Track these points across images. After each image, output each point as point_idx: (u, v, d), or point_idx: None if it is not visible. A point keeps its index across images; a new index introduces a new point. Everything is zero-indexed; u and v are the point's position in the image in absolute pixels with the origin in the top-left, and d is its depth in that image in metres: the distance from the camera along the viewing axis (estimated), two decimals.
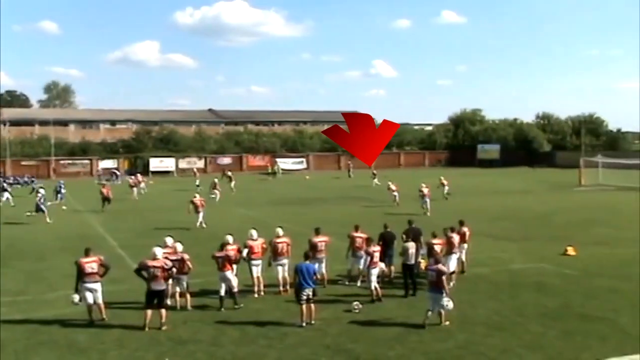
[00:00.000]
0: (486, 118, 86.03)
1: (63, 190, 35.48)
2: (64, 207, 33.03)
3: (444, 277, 12.17)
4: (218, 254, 13.73)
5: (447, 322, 12.11)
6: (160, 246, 13.05)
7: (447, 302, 11.96)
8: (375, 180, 45.94)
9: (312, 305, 12.35)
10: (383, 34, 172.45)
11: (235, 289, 13.64)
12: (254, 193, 41.09)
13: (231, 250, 14.01)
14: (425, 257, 15.03)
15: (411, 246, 14.69)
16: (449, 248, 15.32)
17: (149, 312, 12.13)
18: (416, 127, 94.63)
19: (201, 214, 25.91)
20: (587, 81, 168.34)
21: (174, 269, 12.85)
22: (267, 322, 12.43)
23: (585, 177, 46.63)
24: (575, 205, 33.49)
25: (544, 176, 56.40)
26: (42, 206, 28.34)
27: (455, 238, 15.57)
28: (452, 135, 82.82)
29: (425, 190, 30.11)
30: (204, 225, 25.56)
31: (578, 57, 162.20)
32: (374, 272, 14.14)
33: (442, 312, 12.08)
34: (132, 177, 45.75)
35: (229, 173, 42.40)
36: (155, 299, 12.24)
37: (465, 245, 16.46)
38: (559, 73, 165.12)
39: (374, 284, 14.06)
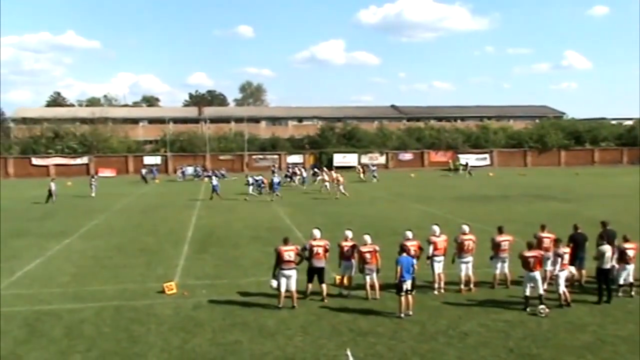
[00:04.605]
0: None
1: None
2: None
3: None
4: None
5: None
6: (319, 228, 14.36)
7: None
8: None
9: (410, 297, 12.60)
10: (576, 22, 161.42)
11: None
12: (433, 189, 40.66)
13: (411, 246, 14.03)
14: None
15: (607, 249, 13.61)
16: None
17: (310, 285, 13.70)
18: (613, 122, 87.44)
19: (341, 186, 37.25)
20: None
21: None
22: (446, 320, 12.30)
23: None
24: None
25: None
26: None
27: None
28: None
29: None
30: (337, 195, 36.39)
31: None
32: (563, 275, 13.34)
33: None
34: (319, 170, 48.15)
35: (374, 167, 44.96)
36: (315, 274, 13.67)
37: None
38: None
39: (563, 287, 13.27)
